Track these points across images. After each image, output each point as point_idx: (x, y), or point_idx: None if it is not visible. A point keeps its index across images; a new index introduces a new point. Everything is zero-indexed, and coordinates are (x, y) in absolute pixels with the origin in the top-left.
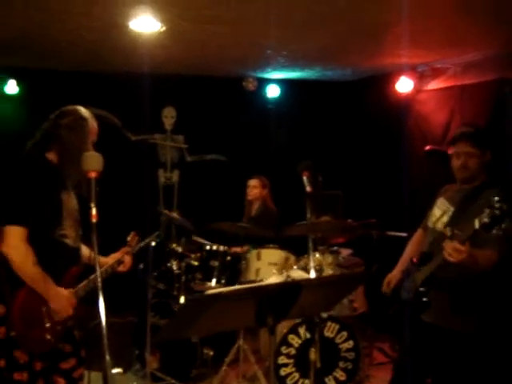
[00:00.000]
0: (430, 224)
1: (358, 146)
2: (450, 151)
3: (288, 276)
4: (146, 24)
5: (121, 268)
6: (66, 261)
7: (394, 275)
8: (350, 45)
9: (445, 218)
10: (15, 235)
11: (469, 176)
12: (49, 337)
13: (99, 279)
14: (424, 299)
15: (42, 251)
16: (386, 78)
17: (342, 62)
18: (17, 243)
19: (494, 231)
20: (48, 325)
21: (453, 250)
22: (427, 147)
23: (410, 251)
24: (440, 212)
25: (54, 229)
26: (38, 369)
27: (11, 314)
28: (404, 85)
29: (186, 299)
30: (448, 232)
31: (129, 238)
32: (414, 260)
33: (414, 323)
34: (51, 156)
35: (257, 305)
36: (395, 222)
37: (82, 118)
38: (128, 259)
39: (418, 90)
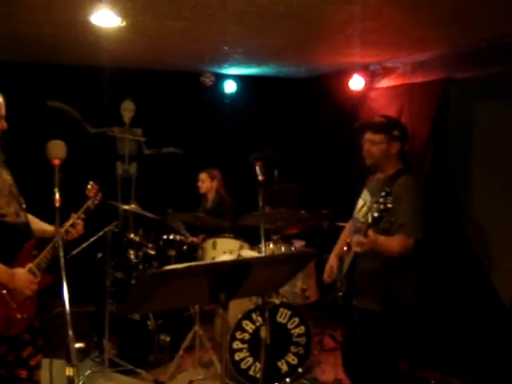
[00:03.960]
0: (354, 214)
1: (312, 140)
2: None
3: (239, 255)
4: (106, 19)
5: (73, 232)
6: (13, 239)
7: (333, 262)
8: (303, 43)
9: (364, 209)
10: None
11: (373, 162)
12: (19, 316)
13: (63, 263)
14: (348, 286)
15: None
16: (339, 76)
17: (296, 59)
18: None
19: (381, 224)
20: (15, 305)
21: (357, 243)
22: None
23: (341, 241)
24: (362, 202)
25: None
26: (3, 353)
27: None
28: (356, 82)
29: (143, 274)
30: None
31: (87, 189)
32: (345, 249)
33: (347, 308)
34: None
35: (210, 282)
36: (346, 213)
37: None
38: (80, 222)
39: (369, 88)
